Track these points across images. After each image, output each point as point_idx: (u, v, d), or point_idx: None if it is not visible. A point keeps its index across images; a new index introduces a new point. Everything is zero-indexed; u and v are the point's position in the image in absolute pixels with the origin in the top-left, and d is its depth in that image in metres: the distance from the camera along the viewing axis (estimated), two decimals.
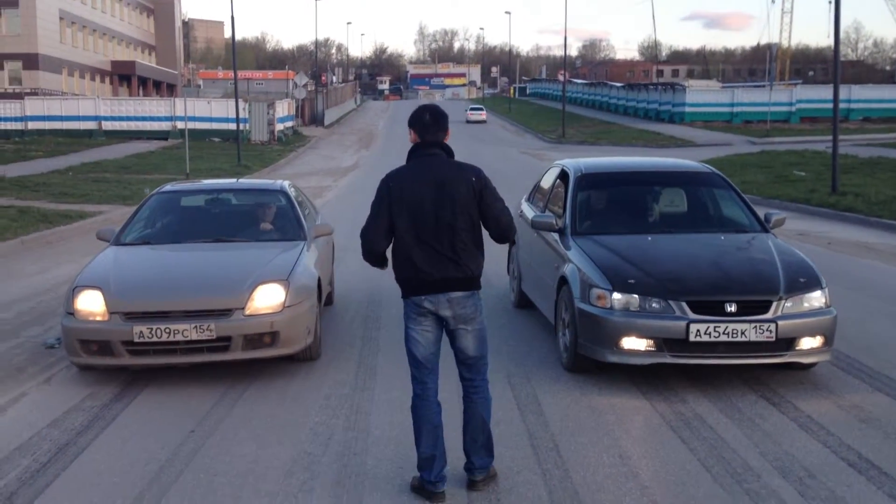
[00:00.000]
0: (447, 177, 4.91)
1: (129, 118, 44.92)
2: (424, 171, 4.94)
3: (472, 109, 69.24)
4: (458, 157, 5.09)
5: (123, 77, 75.46)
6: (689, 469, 5.37)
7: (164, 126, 44.47)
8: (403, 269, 4.94)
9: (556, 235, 8.10)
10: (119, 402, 6.73)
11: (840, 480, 5.20)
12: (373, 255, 5.02)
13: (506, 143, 46.50)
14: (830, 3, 20.97)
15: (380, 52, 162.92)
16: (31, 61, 59.54)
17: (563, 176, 8.88)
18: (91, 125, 44.26)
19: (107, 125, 44.35)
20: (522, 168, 24.16)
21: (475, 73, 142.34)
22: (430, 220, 4.86)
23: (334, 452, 5.67)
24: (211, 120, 44.28)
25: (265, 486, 5.19)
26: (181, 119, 38.32)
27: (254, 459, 5.57)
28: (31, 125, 43.77)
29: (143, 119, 45.05)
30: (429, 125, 5.00)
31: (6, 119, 44.66)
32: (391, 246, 5.02)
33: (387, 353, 7.96)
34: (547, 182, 9.62)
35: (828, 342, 6.87)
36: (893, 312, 9.50)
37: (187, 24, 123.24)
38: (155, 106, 46.90)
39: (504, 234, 5.08)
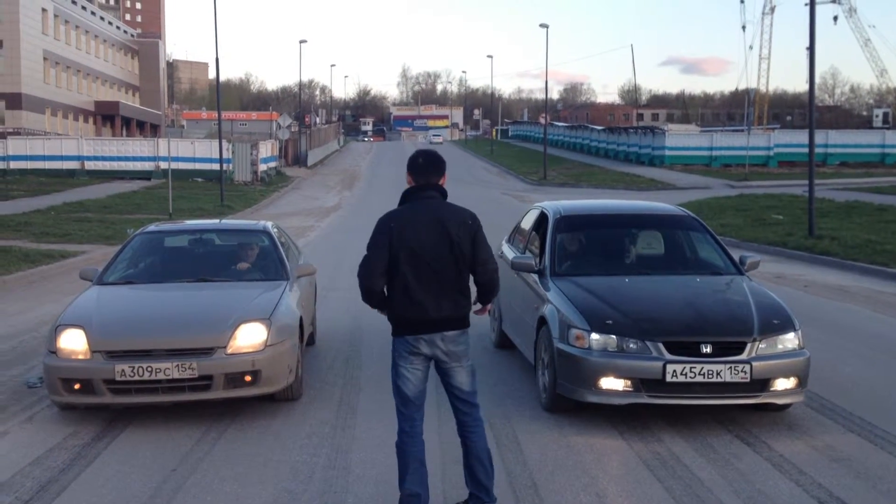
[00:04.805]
0: (446, 217, 5.07)
1: (112, 158, 44.87)
2: (424, 211, 5.08)
3: (433, 135, 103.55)
4: None
5: (107, 117, 75.67)
6: None
7: (148, 166, 44.46)
8: (401, 308, 5.04)
9: (535, 276, 8.23)
10: (101, 440, 6.76)
11: None
12: (371, 294, 5.09)
13: (488, 185, 46.75)
14: (808, 49, 21.35)
15: (363, 94, 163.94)
16: (14, 101, 59.60)
17: (543, 218, 9.03)
18: (74, 165, 44.17)
19: (90, 165, 44.28)
20: (504, 209, 24.49)
21: (458, 115, 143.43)
22: (430, 259, 5.01)
23: (315, 490, 5.72)
24: (194, 160, 44.33)
25: None
26: (164, 159, 38.30)
27: (235, 498, 5.61)
28: (14, 164, 43.60)
29: (127, 159, 45.03)
30: (422, 168, 5.19)
31: None
32: (387, 285, 5.10)
33: (368, 392, 8.02)
34: (527, 223, 9.76)
35: (801, 383, 6.99)
36: (867, 354, 9.66)
37: (171, 65, 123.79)
38: (138, 146, 46.94)
39: (491, 279, 5.20)
